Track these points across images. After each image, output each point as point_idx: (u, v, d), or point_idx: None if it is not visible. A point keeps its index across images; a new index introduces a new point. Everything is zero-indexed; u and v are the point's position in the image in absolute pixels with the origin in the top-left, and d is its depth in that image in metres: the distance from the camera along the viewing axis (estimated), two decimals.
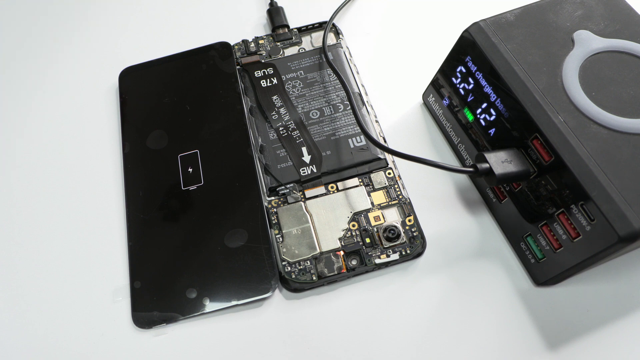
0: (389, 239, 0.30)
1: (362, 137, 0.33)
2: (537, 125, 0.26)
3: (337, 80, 0.35)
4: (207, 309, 0.29)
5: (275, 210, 0.31)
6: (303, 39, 0.39)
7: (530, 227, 0.28)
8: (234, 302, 0.29)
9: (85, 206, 0.33)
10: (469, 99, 0.30)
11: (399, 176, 0.32)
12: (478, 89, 0.29)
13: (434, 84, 0.34)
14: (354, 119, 0.34)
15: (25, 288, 0.31)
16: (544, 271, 0.28)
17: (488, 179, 0.27)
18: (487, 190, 0.31)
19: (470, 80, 0.30)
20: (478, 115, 0.30)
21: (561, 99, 0.26)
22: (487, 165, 0.26)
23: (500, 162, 0.26)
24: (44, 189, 0.34)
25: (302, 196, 0.32)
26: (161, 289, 0.30)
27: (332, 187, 0.32)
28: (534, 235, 0.28)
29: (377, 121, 0.34)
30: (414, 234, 0.30)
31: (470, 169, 0.26)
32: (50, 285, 0.31)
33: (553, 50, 0.28)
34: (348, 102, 0.34)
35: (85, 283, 0.31)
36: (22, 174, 0.35)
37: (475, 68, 0.29)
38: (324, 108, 0.35)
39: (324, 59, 0.37)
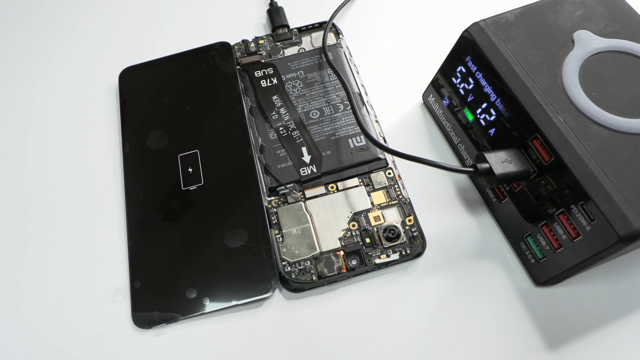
0: (389, 239, 0.30)
1: (362, 137, 0.33)
2: (537, 125, 0.26)
3: (337, 80, 0.35)
4: (207, 309, 0.29)
5: (275, 210, 0.31)
6: (303, 39, 0.39)
7: (530, 227, 0.28)
8: (234, 302, 0.29)
9: (86, 206, 0.33)
10: (469, 99, 0.30)
11: (399, 176, 0.32)
12: (478, 89, 0.29)
13: (434, 84, 0.34)
14: (354, 119, 0.34)
15: (25, 288, 0.31)
16: (544, 271, 0.28)
17: (488, 179, 0.27)
18: (487, 190, 0.31)
19: (470, 80, 0.30)
20: (478, 115, 0.30)
21: (561, 99, 0.26)
22: (487, 165, 0.26)
23: (500, 162, 0.26)
24: (44, 189, 0.34)
25: (302, 196, 0.32)
26: (161, 289, 0.30)
27: (332, 187, 0.32)
28: (534, 235, 0.28)
29: (377, 121, 0.34)
30: (414, 234, 0.30)
31: (470, 169, 0.26)
32: (50, 285, 0.31)
33: (553, 50, 0.28)
34: (348, 102, 0.34)
35: (85, 283, 0.31)
36: (22, 173, 0.35)
37: (475, 68, 0.29)
38: (324, 108, 0.35)
39: (324, 59, 0.37)
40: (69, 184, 0.34)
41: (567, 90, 0.26)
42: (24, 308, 0.30)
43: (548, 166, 0.25)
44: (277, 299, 0.30)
